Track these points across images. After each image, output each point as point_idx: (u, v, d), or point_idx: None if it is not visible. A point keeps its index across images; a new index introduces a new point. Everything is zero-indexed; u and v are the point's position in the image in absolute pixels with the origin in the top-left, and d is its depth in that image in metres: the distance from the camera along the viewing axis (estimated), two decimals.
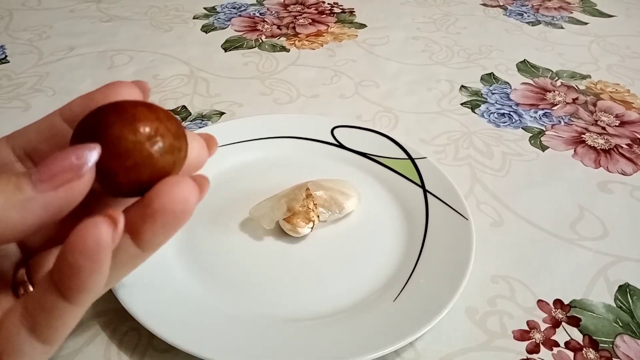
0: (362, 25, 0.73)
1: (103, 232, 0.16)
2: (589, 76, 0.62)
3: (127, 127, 0.18)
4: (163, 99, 0.54)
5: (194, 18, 0.73)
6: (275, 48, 0.66)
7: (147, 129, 0.18)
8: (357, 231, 0.39)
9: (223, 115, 0.52)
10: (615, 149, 0.50)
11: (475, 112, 0.54)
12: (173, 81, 0.57)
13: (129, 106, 0.19)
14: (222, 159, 0.44)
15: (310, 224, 0.37)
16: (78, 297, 0.17)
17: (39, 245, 0.22)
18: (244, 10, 0.76)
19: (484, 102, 0.56)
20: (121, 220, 0.17)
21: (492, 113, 0.54)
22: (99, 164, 0.18)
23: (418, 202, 0.40)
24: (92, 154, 0.17)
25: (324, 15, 0.76)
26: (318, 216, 0.37)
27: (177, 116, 0.51)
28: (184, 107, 0.53)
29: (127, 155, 0.18)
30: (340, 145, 0.46)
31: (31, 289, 0.20)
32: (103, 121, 0.18)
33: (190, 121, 0.50)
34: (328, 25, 0.72)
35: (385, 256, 0.37)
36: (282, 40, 0.68)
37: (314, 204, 0.37)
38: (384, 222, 0.39)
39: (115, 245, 0.17)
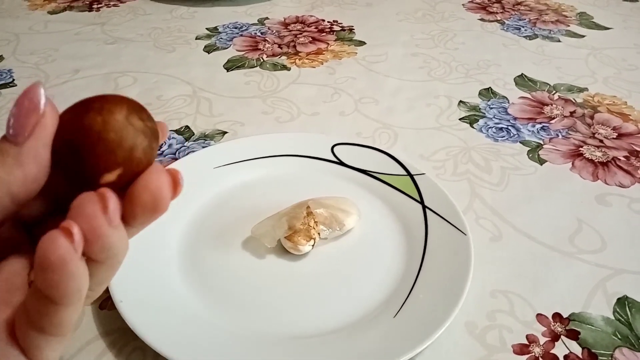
0: (362, 43, 0.74)
1: (62, 247, 0.17)
2: (586, 89, 0.63)
3: (106, 116, 0.19)
4: (167, 119, 0.55)
5: (196, 39, 0.74)
6: (276, 67, 0.67)
7: (122, 119, 0.19)
8: (358, 248, 0.39)
9: (225, 135, 0.53)
10: (613, 162, 0.51)
11: (473, 127, 0.55)
12: (176, 101, 0.59)
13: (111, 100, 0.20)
14: (224, 178, 0.45)
15: (311, 242, 0.37)
16: (67, 300, 0.18)
17: (40, 215, 0.22)
18: (246, 30, 0.77)
19: (482, 117, 0.57)
20: (75, 230, 0.17)
21: (490, 127, 0.55)
22: (68, 150, 0.19)
23: (417, 218, 0.41)
24: (39, 90, 0.19)
25: (324, 34, 0.77)
26: (319, 234, 0.38)
27: (180, 135, 0.52)
28: (187, 127, 0.54)
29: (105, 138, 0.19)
30: (341, 163, 0.47)
31: None
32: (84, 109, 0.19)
33: (194, 141, 0.52)
34: (328, 44, 0.74)
35: (385, 272, 0.37)
36: (283, 59, 0.69)
37: (315, 222, 0.38)
38: (384, 238, 0.40)
39: (79, 253, 0.17)
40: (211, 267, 0.37)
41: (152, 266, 0.36)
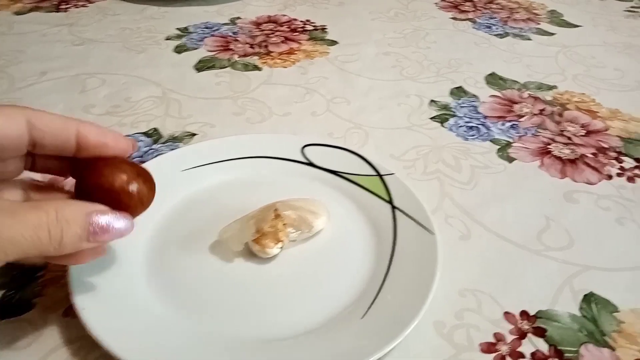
0: (334, 42, 0.74)
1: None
2: (556, 87, 0.64)
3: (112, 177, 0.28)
4: (135, 121, 0.54)
5: (166, 39, 0.73)
6: (247, 67, 0.66)
7: (125, 178, 0.29)
8: (327, 250, 0.39)
9: (195, 137, 0.52)
10: (581, 159, 0.51)
11: (444, 126, 0.55)
12: (145, 103, 0.58)
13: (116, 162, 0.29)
14: (192, 181, 0.44)
15: (280, 244, 0.37)
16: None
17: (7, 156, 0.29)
18: (217, 29, 0.77)
19: (453, 116, 0.57)
20: None
21: (460, 126, 0.55)
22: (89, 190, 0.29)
23: (386, 219, 0.41)
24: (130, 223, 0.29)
25: (297, 33, 0.76)
26: (287, 236, 0.38)
27: (148, 139, 0.51)
28: (155, 129, 0.53)
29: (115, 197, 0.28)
30: (311, 164, 0.46)
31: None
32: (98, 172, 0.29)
33: (162, 143, 0.51)
34: (300, 43, 0.73)
35: (354, 274, 0.37)
36: (255, 59, 0.68)
37: (283, 224, 0.38)
38: (353, 239, 0.40)
39: None
40: (178, 272, 0.37)
41: (116, 272, 0.35)
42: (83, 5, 0.84)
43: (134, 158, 0.48)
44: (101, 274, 0.34)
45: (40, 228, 0.25)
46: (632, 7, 0.90)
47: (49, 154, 0.30)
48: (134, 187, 0.28)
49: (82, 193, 0.28)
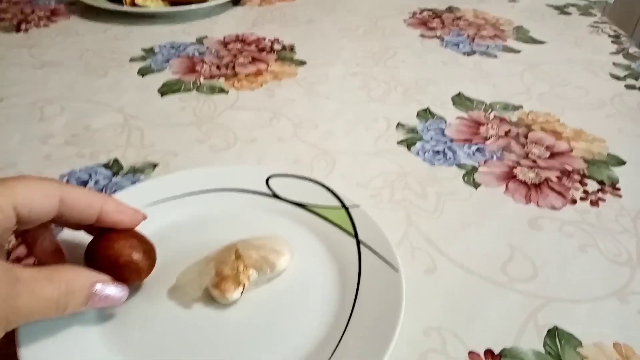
0: (302, 63, 0.73)
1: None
2: (521, 106, 0.64)
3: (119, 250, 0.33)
4: (95, 152, 0.53)
5: (130, 60, 0.71)
6: (213, 90, 0.65)
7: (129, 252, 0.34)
8: (290, 292, 0.38)
9: (156, 167, 0.51)
10: (545, 183, 0.51)
11: (410, 151, 0.55)
12: (106, 132, 0.56)
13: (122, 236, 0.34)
14: (153, 219, 0.42)
15: (240, 288, 0.36)
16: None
17: (37, 223, 0.31)
18: (183, 50, 0.75)
19: (420, 140, 0.57)
20: None
21: (427, 151, 0.55)
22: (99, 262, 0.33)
23: (352, 255, 0.40)
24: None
25: (264, 53, 0.76)
26: (248, 279, 0.37)
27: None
28: (115, 160, 0.51)
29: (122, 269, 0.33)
30: (275, 196, 0.46)
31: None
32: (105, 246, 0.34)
33: (123, 176, 0.49)
34: (268, 64, 0.73)
35: (317, 317, 0.36)
36: (221, 82, 0.67)
37: (244, 266, 0.37)
38: (318, 279, 0.39)
39: None
40: (133, 321, 0.35)
41: (65, 322, 0.34)
42: (45, 25, 0.81)
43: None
44: (49, 325, 0.32)
45: (52, 301, 0.28)
46: (595, 22, 0.92)
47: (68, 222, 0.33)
48: (137, 262, 0.33)
49: (90, 259, 0.33)
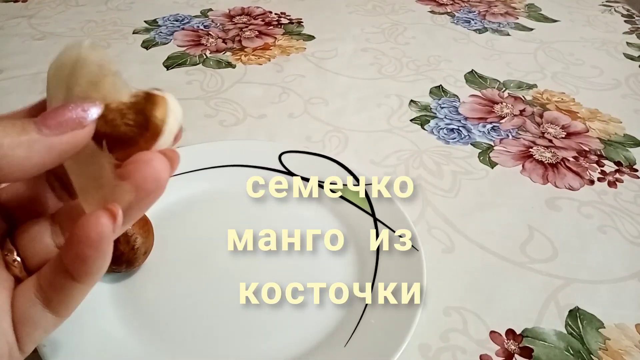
0: (311, 37, 0.71)
1: (105, 226, 0.18)
2: (535, 85, 0.63)
3: None
4: None
5: (133, 33, 0.69)
6: (220, 64, 0.63)
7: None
8: (307, 269, 0.37)
9: None
10: (562, 163, 0.50)
11: (424, 129, 0.54)
12: None
13: None
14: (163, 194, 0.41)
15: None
16: (86, 279, 0.19)
17: (24, 216, 0.23)
18: (187, 22, 0.73)
19: (433, 117, 0.55)
20: (119, 214, 0.19)
21: (441, 129, 0.54)
22: None
23: (369, 234, 0.39)
24: (96, 109, 0.20)
25: (271, 27, 0.74)
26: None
27: None
28: None
29: None
30: (289, 172, 0.44)
31: (16, 256, 0.21)
32: None
33: None
34: (275, 38, 0.71)
35: (335, 297, 0.35)
36: (228, 56, 0.65)
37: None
38: (335, 258, 0.38)
39: (115, 236, 0.19)
40: (147, 300, 0.34)
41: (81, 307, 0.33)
42: None
43: None
44: None
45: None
46: (607, 1, 0.90)
47: None
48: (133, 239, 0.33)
49: None
